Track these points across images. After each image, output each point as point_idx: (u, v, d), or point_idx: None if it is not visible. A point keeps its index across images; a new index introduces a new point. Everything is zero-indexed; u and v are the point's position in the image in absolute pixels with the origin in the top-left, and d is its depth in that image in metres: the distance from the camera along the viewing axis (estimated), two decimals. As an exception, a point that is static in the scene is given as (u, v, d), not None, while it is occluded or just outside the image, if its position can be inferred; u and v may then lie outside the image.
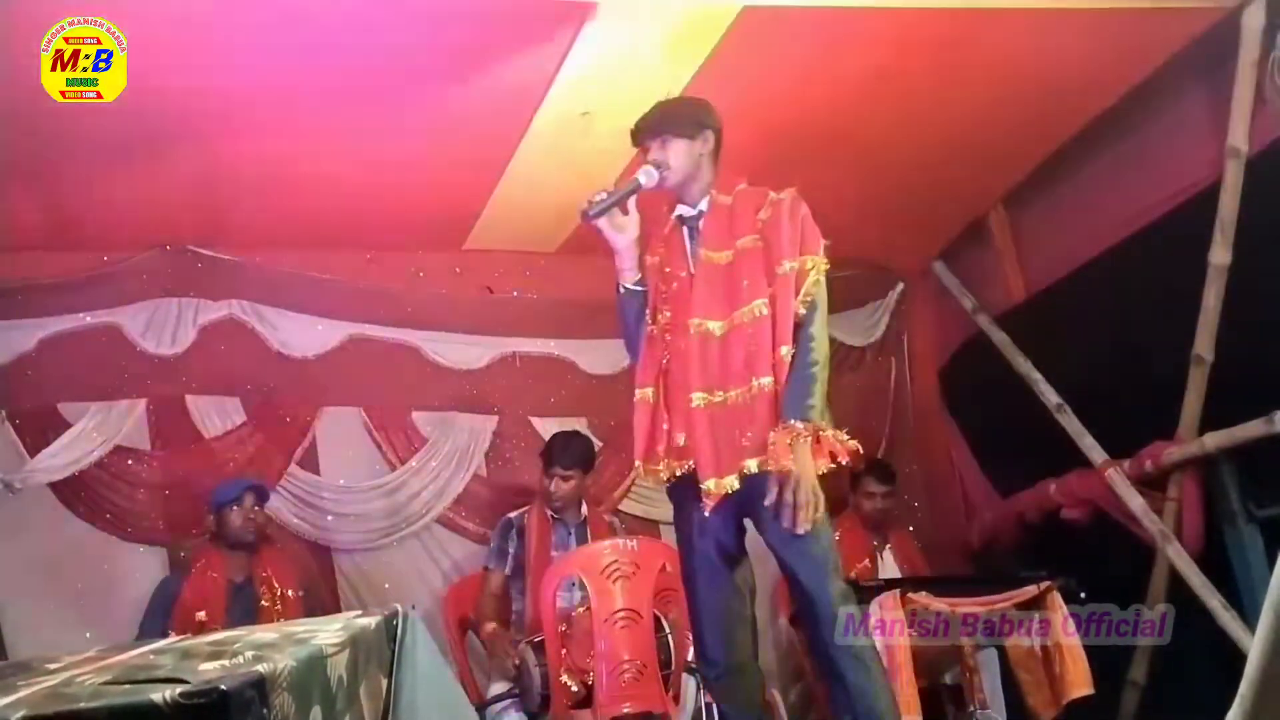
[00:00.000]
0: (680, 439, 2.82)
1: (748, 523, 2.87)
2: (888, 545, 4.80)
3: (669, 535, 5.06)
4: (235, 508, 4.13)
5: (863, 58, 3.67)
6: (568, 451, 4.42)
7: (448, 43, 3.42)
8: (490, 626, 4.11)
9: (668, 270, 2.96)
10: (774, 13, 3.36)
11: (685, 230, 2.98)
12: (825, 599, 2.70)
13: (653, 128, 2.98)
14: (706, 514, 2.77)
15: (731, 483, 2.72)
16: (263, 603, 4.05)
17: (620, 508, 5.15)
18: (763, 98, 3.16)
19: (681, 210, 2.99)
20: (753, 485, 2.72)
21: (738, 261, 2.86)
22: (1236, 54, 3.69)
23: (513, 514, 4.41)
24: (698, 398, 2.78)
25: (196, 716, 1.17)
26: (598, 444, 5.06)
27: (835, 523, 3.20)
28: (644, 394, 2.90)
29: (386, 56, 3.44)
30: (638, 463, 2.90)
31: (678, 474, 2.84)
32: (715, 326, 2.82)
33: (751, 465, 2.71)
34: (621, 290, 3.07)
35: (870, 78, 3.75)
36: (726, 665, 2.89)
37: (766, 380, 2.74)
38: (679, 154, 2.94)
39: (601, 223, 2.94)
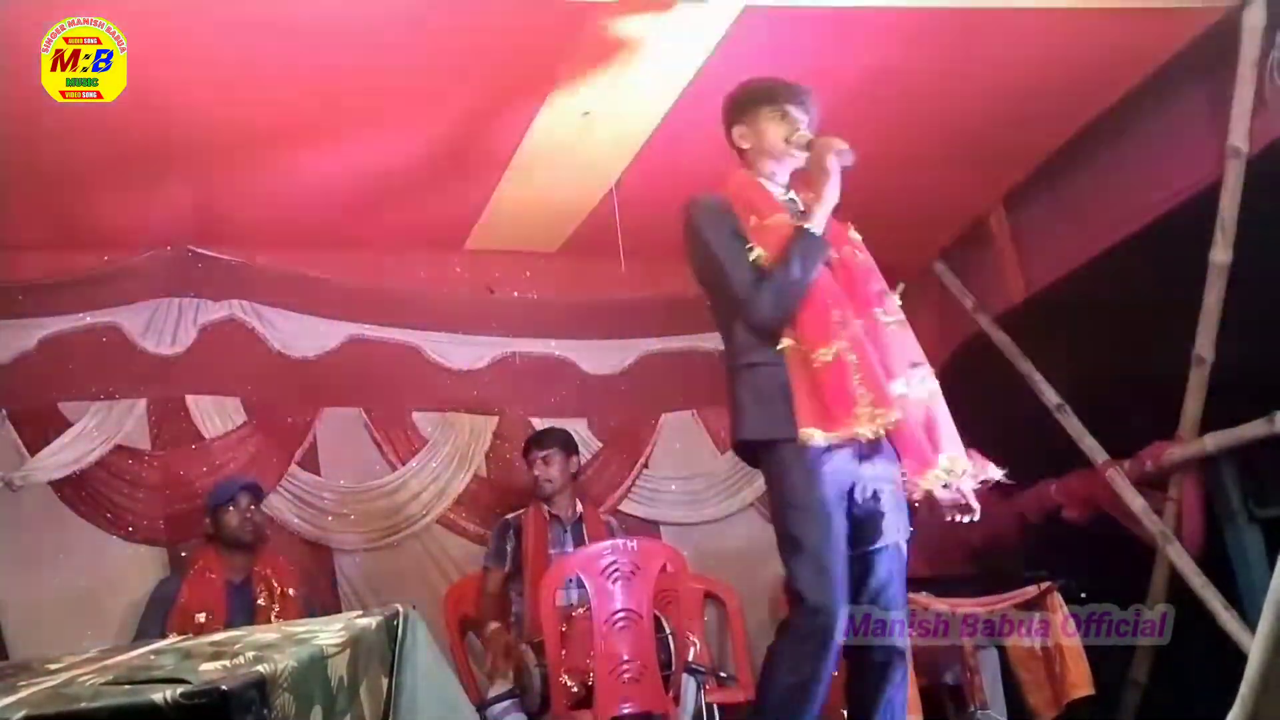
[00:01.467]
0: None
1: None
2: None
3: (669, 536, 5.09)
4: (231, 508, 4.13)
5: (862, 58, 3.67)
6: (544, 434, 4.50)
7: (448, 43, 3.41)
8: (493, 626, 4.12)
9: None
10: (775, 12, 3.36)
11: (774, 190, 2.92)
12: None
13: (804, 101, 2.92)
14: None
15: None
16: (260, 603, 4.05)
17: (620, 508, 5.16)
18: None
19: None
20: None
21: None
22: (1237, 54, 3.69)
23: (510, 514, 4.43)
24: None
25: (197, 717, 1.17)
26: (598, 444, 5.07)
27: None
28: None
29: (387, 57, 3.43)
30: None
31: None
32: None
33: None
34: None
35: (870, 77, 3.74)
36: None
37: None
38: None
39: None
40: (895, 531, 2.77)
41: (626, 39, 3.45)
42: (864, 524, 2.73)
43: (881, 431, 2.60)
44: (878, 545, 2.74)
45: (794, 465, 2.64)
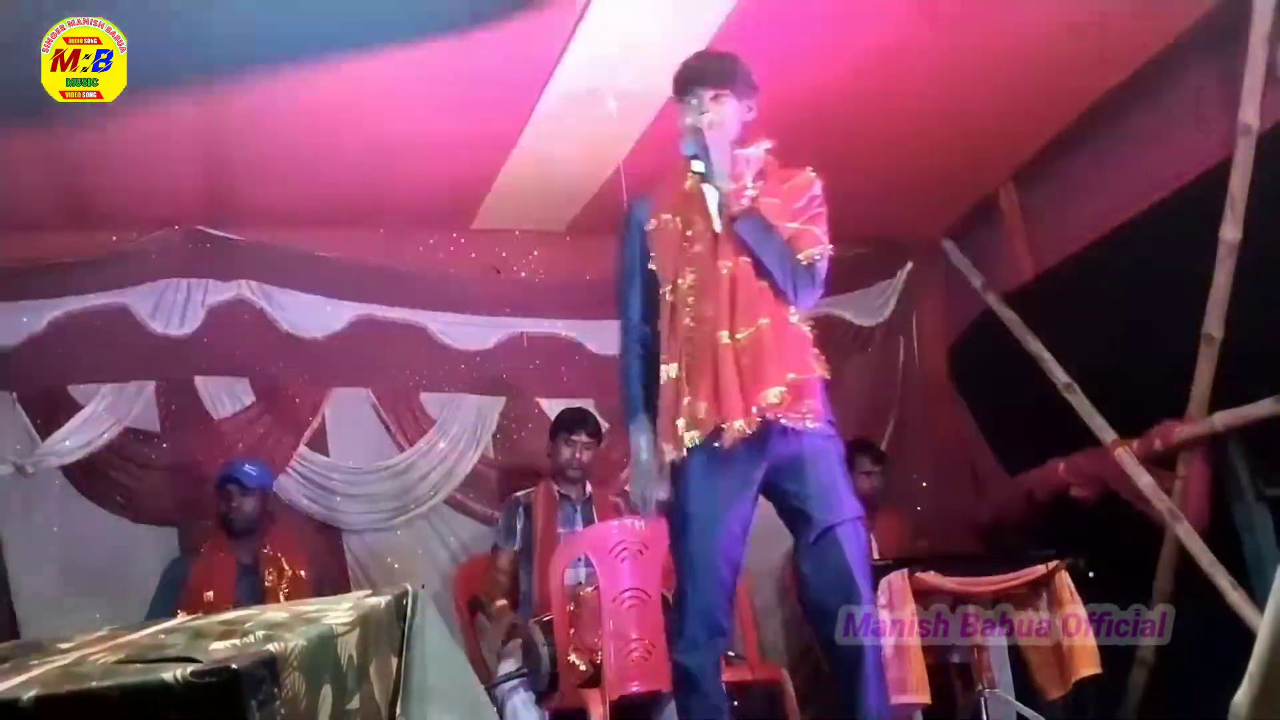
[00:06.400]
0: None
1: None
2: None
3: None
4: (221, 496, 4.17)
5: (871, 35, 3.65)
6: (582, 420, 4.46)
7: (455, 20, 3.40)
8: (498, 604, 4.12)
9: (696, 229, 2.83)
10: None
11: (708, 189, 2.85)
12: None
13: (709, 79, 2.87)
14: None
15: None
16: (268, 584, 4.07)
17: (626, 489, 5.16)
18: (771, 75, 3.15)
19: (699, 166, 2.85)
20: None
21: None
22: (1247, 30, 3.66)
23: (520, 493, 4.43)
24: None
25: (208, 696, 1.17)
26: (605, 425, 5.07)
27: None
28: None
29: (394, 35, 3.43)
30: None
31: None
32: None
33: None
34: None
35: (878, 55, 3.72)
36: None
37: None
38: (730, 112, 2.85)
39: None
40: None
41: (633, 16, 3.44)
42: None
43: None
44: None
45: None
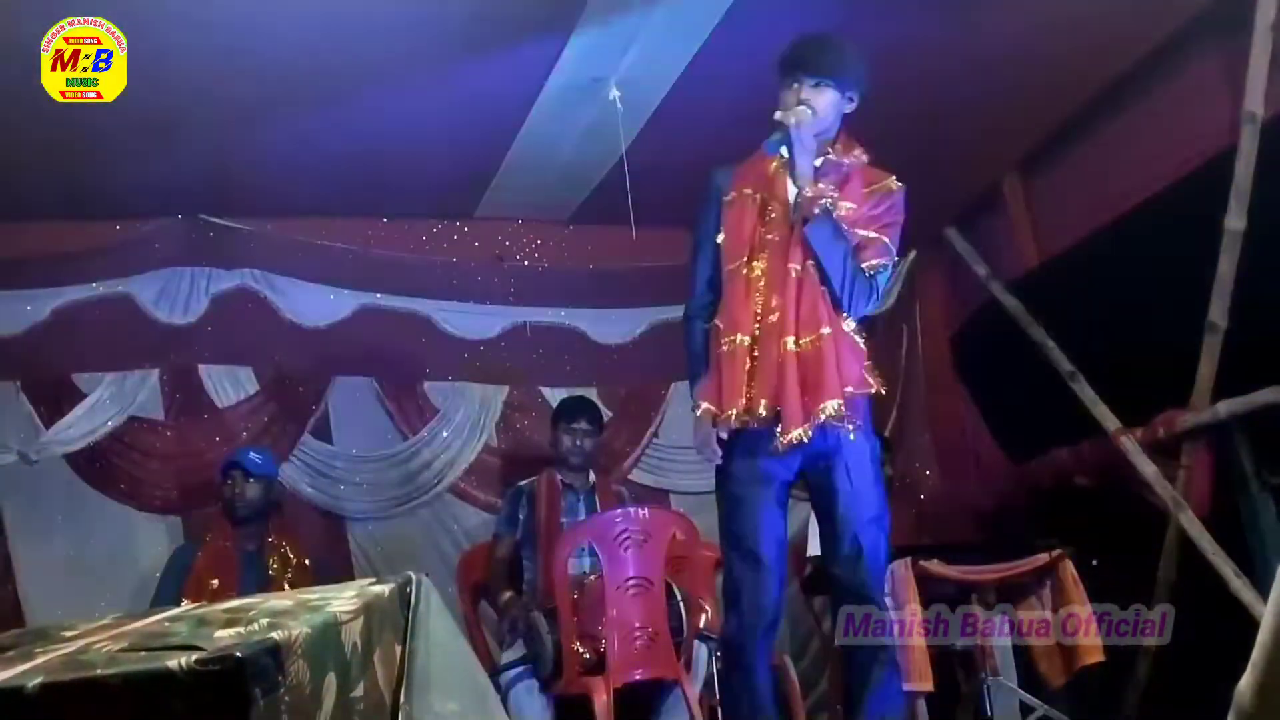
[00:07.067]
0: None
1: None
2: None
3: (678, 505, 5.10)
4: (226, 483, 4.17)
5: (875, 22, 3.63)
6: (582, 409, 4.46)
7: (459, 9, 3.39)
8: (506, 595, 4.13)
9: (773, 216, 2.84)
10: (785, -23, 3.34)
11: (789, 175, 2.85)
12: None
13: (811, 66, 2.82)
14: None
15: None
16: (272, 571, 4.08)
17: (630, 477, 5.17)
18: (774, 64, 3.15)
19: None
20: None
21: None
22: (1253, 17, 3.65)
23: (523, 481, 4.43)
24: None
25: (212, 683, 1.17)
26: (607, 414, 5.07)
27: None
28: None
29: (398, 24, 3.42)
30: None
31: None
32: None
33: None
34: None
35: (882, 42, 3.69)
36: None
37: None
38: (828, 104, 2.82)
39: None
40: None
41: (638, 2, 3.43)
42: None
43: None
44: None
45: None
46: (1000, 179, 4.97)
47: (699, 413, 2.83)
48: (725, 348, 2.77)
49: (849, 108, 2.88)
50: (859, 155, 2.89)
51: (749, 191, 2.87)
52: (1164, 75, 4.05)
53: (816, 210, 2.75)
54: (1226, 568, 3.91)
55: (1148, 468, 4.23)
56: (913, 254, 5.63)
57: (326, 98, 3.82)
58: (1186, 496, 4.10)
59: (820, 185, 2.78)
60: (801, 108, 2.76)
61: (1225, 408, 3.92)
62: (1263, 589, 3.68)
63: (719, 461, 2.83)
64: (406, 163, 4.34)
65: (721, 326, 2.82)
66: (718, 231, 2.90)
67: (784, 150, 2.83)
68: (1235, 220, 3.78)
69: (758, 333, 2.76)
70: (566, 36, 3.58)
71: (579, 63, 3.72)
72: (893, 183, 2.89)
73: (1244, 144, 3.73)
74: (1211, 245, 3.84)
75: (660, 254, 4.74)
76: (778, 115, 2.79)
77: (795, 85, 2.81)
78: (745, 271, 2.81)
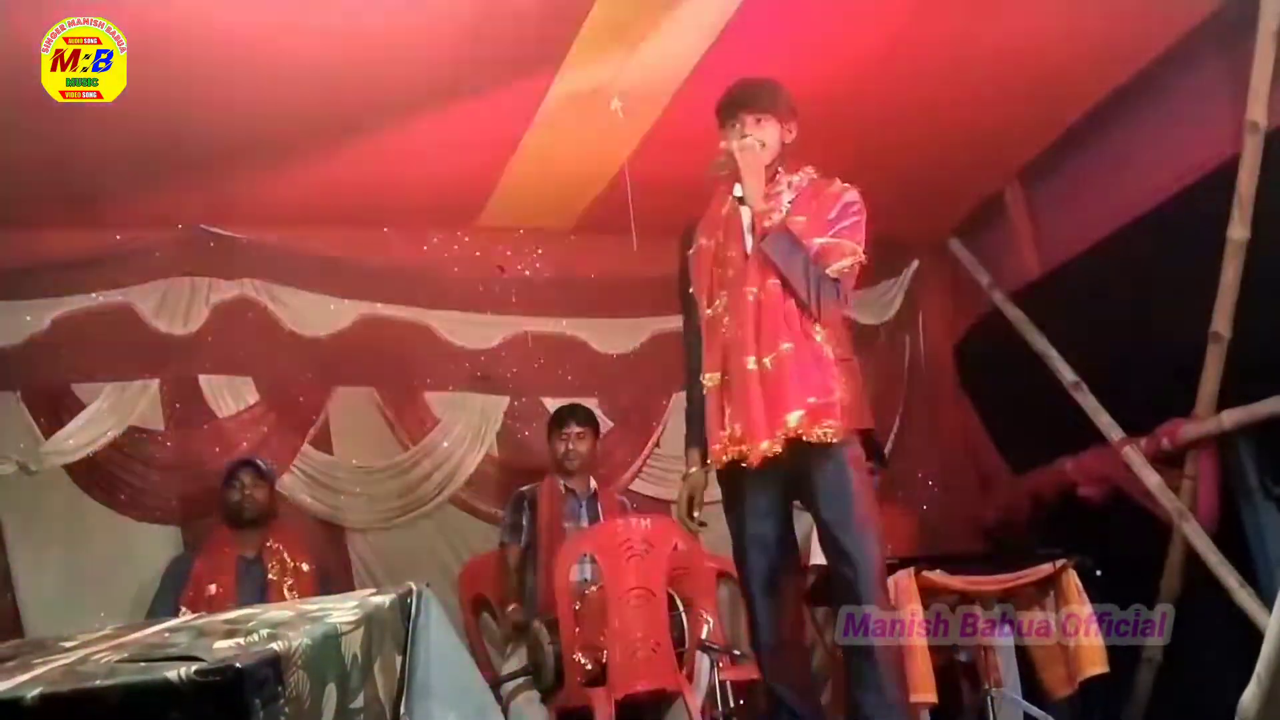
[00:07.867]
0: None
1: None
2: None
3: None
4: (234, 485, 4.17)
5: (877, 32, 3.64)
6: (572, 412, 4.51)
7: (461, 20, 3.39)
8: (511, 608, 4.11)
9: (730, 254, 2.96)
10: (787, -14, 3.34)
11: (744, 212, 2.97)
12: None
13: (752, 103, 3.00)
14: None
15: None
16: (271, 577, 4.08)
17: (631, 488, 5.16)
18: (776, 73, 3.15)
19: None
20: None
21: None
22: (1255, 27, 3.65)
23: (524, 487, 4.42)
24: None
25: (212, 694, 1.17)
26: (609, 424, 5.06)
27: None
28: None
29: (400, 34, 3.42)
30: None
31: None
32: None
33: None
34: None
35: (883, 52, 3.72)
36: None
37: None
38: (772, 135, 2.98)
39: None
40: None
41: (638, 15, 3.43)
42: None
43: None
44: None
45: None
46: (1003, 189, 4.97)
47: (685, 475, 3.07)
48: (706, 390, 2.94)
49: (789, 138, 3.04)
50: (809, 171, 3.04)
51: (704, 242, 3.04)
52: (1166, 85, 4.05)
53: (767, 224, 2.88)
54: (1231, 578, 3.90)
55: (1151, 478, 4.22)
56: (915, 264, 5.64)
57: (330, 110, 3.82)
58: (1192, 507, 4.09)
59: (773, 201, 2.92)
60: (749, 139, 2.94)
61: (1229, 418, 3.92)
62: (1267, 600, 3.67)
63: (699, 529, 3.09)
64: (408, 172, 4.33)
65: (707, 365, 2.97)
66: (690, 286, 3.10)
67: (737, 187, 2.94)
68: (1238, 230, 3.78)
69: (728, 361, 2.89)
70: (568, 45, 3.58)
71: (581, 71, 3.72)
72: (842, 186, 2.98)
73: (1247, 154, 3.73)
74: (1215, 255, 3.84)
75: (662, 264, 4.73)
76: (727, 145, 2.95)
77: (736, 125, 2.98)
78: (710, 313, 2.98)
